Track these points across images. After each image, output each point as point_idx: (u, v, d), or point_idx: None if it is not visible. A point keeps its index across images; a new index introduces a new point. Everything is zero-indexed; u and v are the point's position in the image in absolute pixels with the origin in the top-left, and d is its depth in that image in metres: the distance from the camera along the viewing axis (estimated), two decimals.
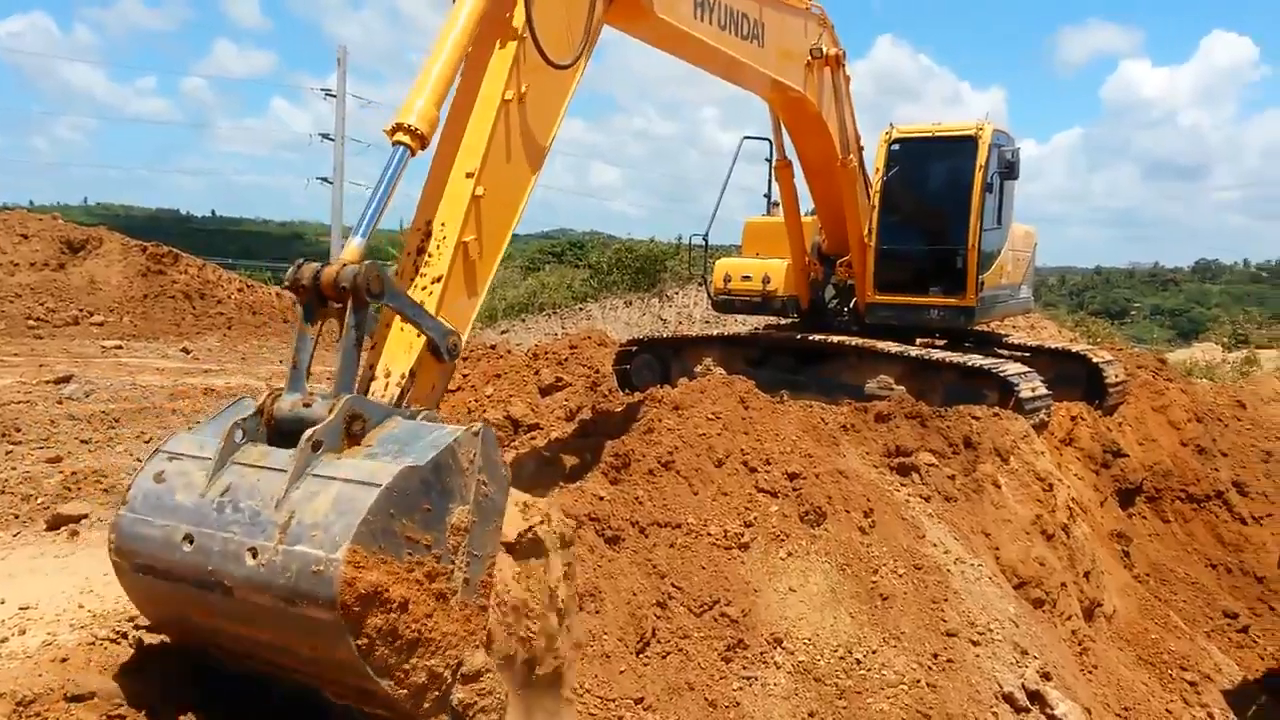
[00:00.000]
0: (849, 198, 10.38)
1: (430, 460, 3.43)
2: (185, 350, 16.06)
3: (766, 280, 11.23)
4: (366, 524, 3.19)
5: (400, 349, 4.20)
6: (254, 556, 3.26)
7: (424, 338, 4.15)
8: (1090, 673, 7.85)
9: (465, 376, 10.83)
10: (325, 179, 38.71)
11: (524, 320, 22.65)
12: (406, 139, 4.13)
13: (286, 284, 3.93)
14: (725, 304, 11.84)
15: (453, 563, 3.52)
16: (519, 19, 4.69)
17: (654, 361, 11.60)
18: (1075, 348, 12.80)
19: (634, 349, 11.98)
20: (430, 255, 4.49)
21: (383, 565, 3.24)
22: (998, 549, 8.03)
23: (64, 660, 4.11)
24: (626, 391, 11.27)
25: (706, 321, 20.52)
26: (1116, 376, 11.61)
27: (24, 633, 4.41)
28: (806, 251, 11.18)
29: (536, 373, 11.41)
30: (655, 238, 27.28)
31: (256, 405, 3.71)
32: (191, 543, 3.43)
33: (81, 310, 18.49)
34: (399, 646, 3.27)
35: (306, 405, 3.65)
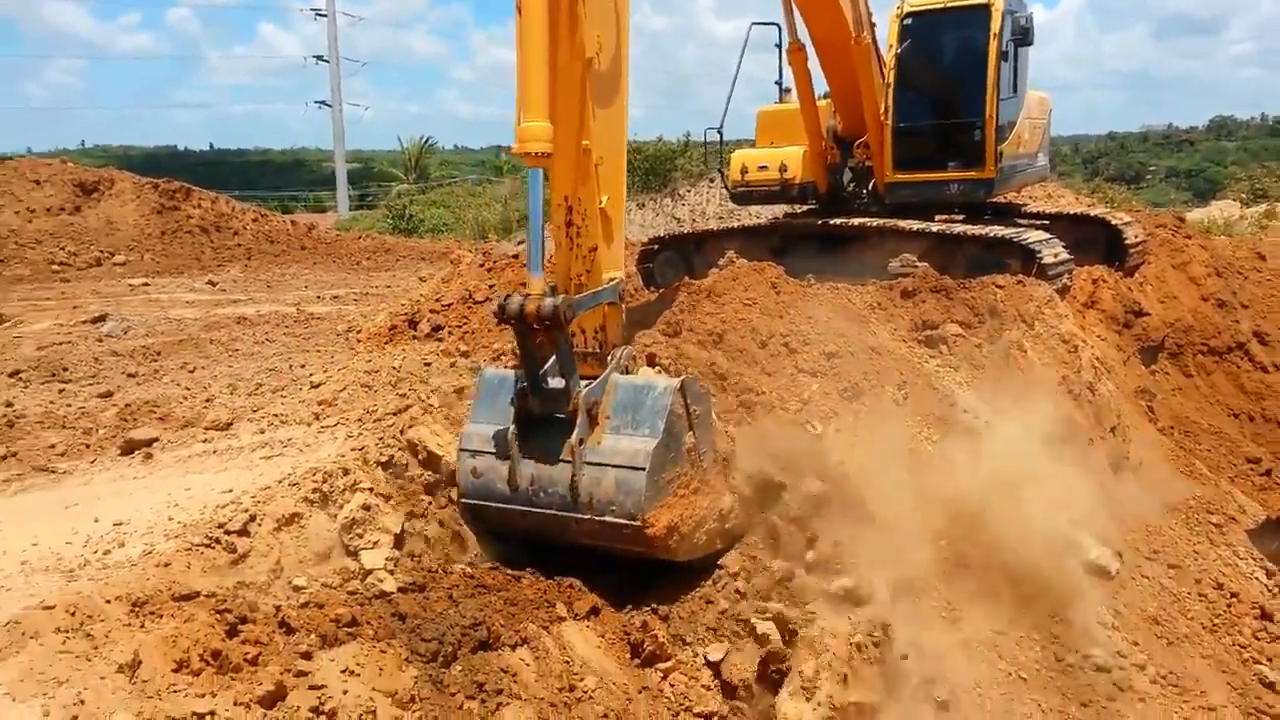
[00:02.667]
0: (864, 76, 10.35)
1: (663, 429, 5.09)
2: (211, 283, 16.34)
3: (784, 168, 11.24)
4: (646, 496, 4.99)
5: (586, 311, 5.38)
6: (577, 525, 5.19)
7: None
8: (1120, 521, 8.17)
9: (491, 287, 11.04)
10: (323, 102, 38.41)
11: None
12: (538, 163, 4.90)
13: (497, 318, 5.16)
14: (743, 195, 11.87)
15: (699, 465, 5.34)
16: None
17: (676, 258, 11.72)
18: (1094, 212, 12.85)
19: (656, 247, 12.10)
20: (578, 227, 5.43)
21: (664, 509, 5.08)
22: (1026, 412, 8.29)
23: (166, 565, 4.47)
24: (651, 289, 11.45)
25: (721, 218, 20.53)
26: (1136, 237, 11.68)
27: (123, 545, 4.75)
28: (823, 135, 11.18)
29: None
30: (663, 137, 27.00)
31: (512, 402, 5.24)
32: (525, 517, 5.34)
33: (103, 251, 18.76)
34: (686, 533, 5.19)
35: (552, 400, 5.13)
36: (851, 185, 11.55)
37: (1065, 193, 20.29)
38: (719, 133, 11.58)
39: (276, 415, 6.14)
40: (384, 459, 5.59)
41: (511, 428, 5.26)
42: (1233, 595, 7.87)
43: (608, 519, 5.08)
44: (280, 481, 5.10)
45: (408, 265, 19.04)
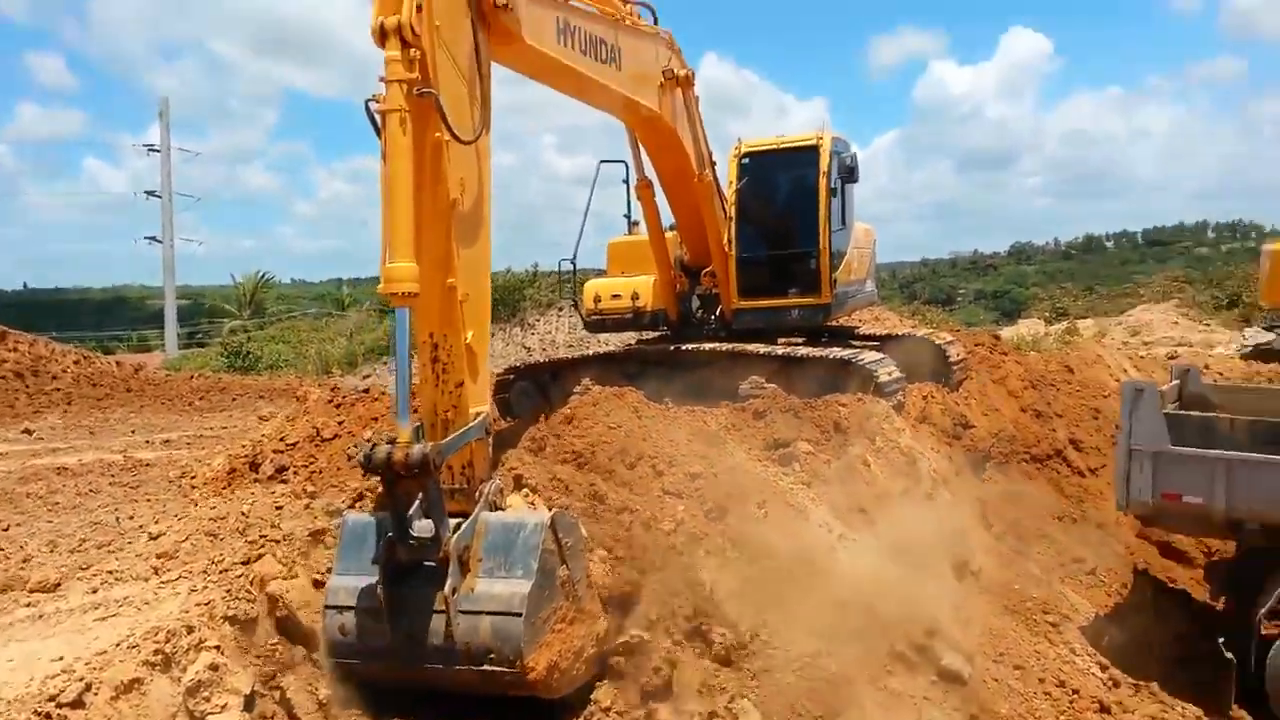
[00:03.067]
0: (707, 211, 10.92)
1: (536, 569, 5.06)
2: (27, 431, 15.16)
3: (636, 297, 11.63)
4: (525, 640, 4.93)
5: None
6: (455, 676, 5.04)
7: None
8: (967, 625, 8.51)
9: (341, 424, 10.74)
10: (153, 238, 37.05)
11: (385, 362, 22.33)
12: (406, 302, 5.00)
13: (361, 467, 5.14)
14: (598, 324, 12.17)
15: (574, 595, 5.34)
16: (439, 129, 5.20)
17: (532, 388, 11.78)
18: (920, 332, 13.77)
19: (511, 376, 12.13)
20: (444, 364, 5.46)
21: (543, 649, 5.04)
22: (874, 523, 8.64)
23: None
24: (509, 419, 11.41)
25: (571, 346, 20.82)
26: (958, 355, 12.57)
27: None
28: (671, 265, 11.64)
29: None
30: (511, 268, 27.35)
31: (379, 553, 5.07)
32: (399, 672, 5.16)
33: None
34: (566, 668, 5.16)
35: (421, 548, 5.03)
36: (700, 312, 12.01)
37: (890, 315, 21.69)
38: (572, 263, 11.87)
39: (110, 572, 5.71)
40: (232, 613, 5.26)
41: (379, 580, 5.09)
42: (1074, 692, 8.25)
43: (486, 668, 4.97)
44: (117, 645, 4.71)
45: (245, 404, 18.25)
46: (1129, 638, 9.29)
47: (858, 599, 7.33)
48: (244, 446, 10.82)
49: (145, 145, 37.37)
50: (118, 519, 8.78)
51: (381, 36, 4.96)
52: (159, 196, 36.50)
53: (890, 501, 9.01)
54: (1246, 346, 21.18)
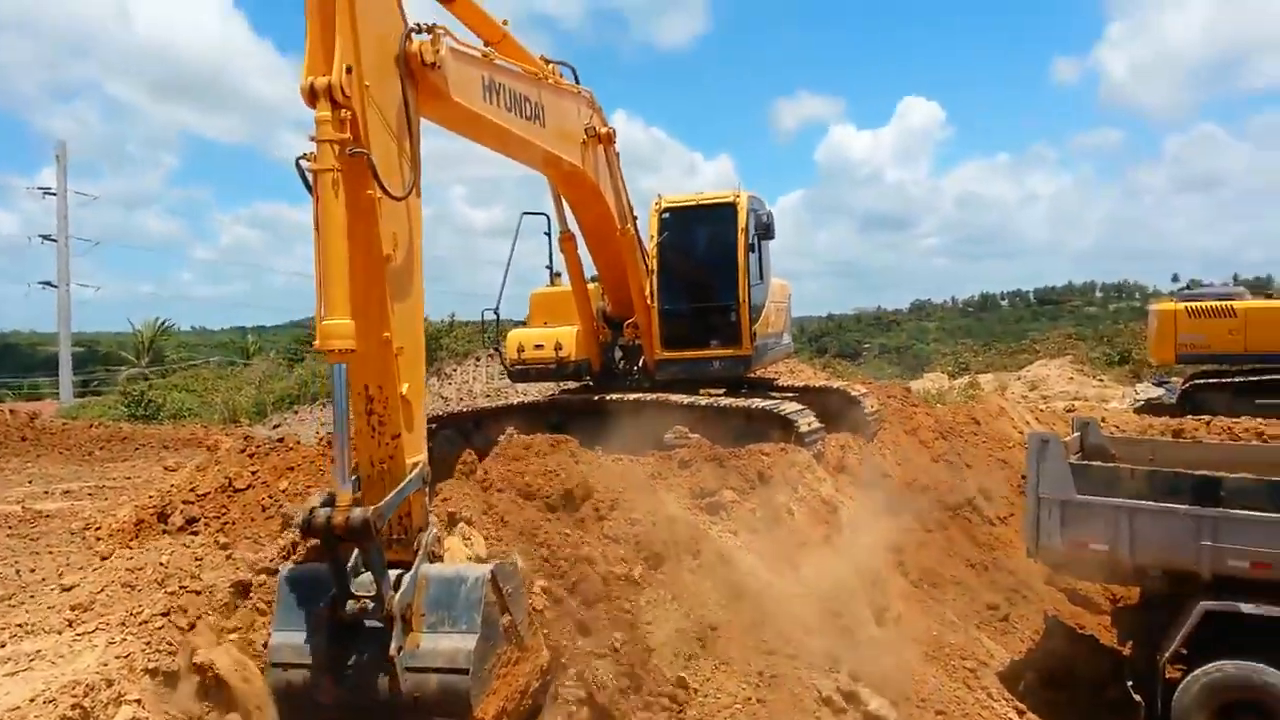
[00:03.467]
0: (630, 264, 11.09)
1: (480, 622, 5.10)
2: None
3: (559, 347, 11.68)
4: (473, 695, 4.97)
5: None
6: None
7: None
8: (890, 671, 8.67)
9: (255, 474, 10.44)
10: (48, 283, 35.59)
11: (295, 411, 21.78)
12: (343, 358, 4.98)
13: (300, 530, 5.19)
14: (521, 374, 12.16)
15: (516, 637, 5.45)
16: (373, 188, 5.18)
17: (455, 436, 11.64)
18: (835, 384, 14.12)
19: (434, 425, 11.97)
20: (380, 415, 5.39)
21: (491, 696, 5.14)
22: (798, 570, 8.77)
23: None
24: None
25: (488, 395, 20.65)
26: (872, 407, 12.92)
27: None
28: (594, 316, 11.74)
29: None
30: (427, 318, 27.09)
31: (322, 611, 5.10)
32: None
33: None
34: (513, 709, 5.33)
35: (362, 610, 5.04)
36: (622, 362, 12.12)
37: (804, 368, 22.17)
38: (495, 313, 11.89)
39: (20, 625, 5.41)
40: (153, 666, 5.06)
41: (322, 637, 5.11)
42: None
43: None
44: (32, 700, 4.47)
45: (148, 454, 17.55)
46: (1043, 683, 9.59)
47: (785, 647, 7.43)
48: (151, 497, 10.42)
49: (40, 188, 36.01)
50: (18, 571, 8.34)
51: (311, 97, 4.93)
52: (54, 240, 35.15)
53: (813, 549, 9.17)
54: (1139, 401, 22.25)
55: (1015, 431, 16.09)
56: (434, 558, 5.58)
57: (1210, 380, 20.78)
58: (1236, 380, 20.20)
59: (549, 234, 11.58)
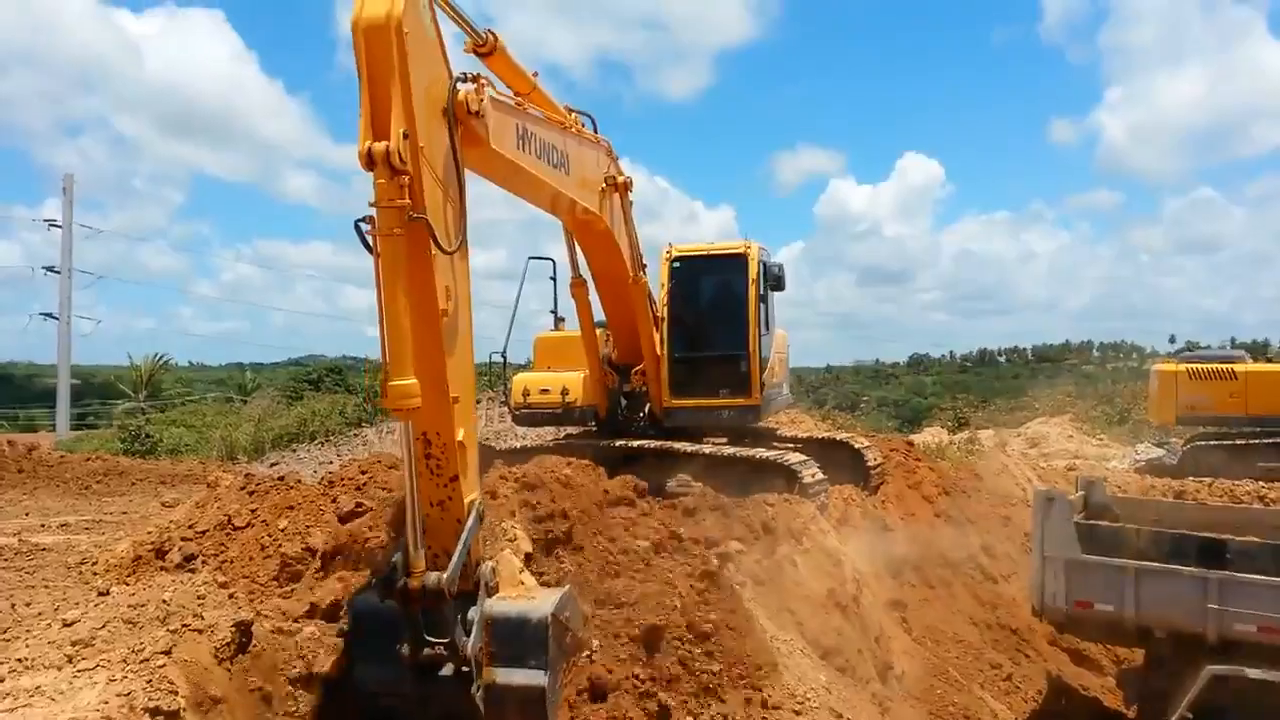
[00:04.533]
0: (641, 311, 11.14)
1: (548, 659, 5.74)
2: None
3: (565, 392, 11.67)
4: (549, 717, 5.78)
5: (449, 536, 5.70)
6: None
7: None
8: None
9: (254, 511, 10.38)
10: (49, 314, 35.63)
11: (294, 450, 21.66)
12: (411, 416, 5.24)
13: (379, 594, 5.57)
14: (526, 417, 12.15)
15: (576, 644, 6.34)
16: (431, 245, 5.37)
17: None
18: (839, 436, 14.09)
19: None
20: (438, 460, 5.64)
21: (562, 707, 6.04)
22: (802, 623, 8.69)
23: None
24: None
25: (487, 439, 20.54)
26: (875, 459, 12.89)
27: None
28: (601, 362, 11.75)
29: (334, 500, 11.10)
30: None
31: (400, 653, 5.56)
32: None
33: None
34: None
35: (439, 657, 5.60)
36: (627, 409, 12.09)
37: (805, 419, 22.12)
38: (503, 356, 11.88)
39: (20, 660, 5.34)
40: (154, 705, 4.98)
41: (403, 674, 5.64)
42: None
43: None
44: None
45: (145, 489, 17.44)
46: None
47: (789, 702, 7.32)
48: (149, 533, 10.34)
49: (45, 220, 36.19)
50: (14, 605, 8.26)
51: (369, 162, 5.04)
52: (58, 272, 35.28)
53: (817, 602, 9.09)
54: (1140, 461, 22.23)
55: (1018, 489, 16.05)
56: (490, 589, 6.03)
57: (1211, 442, 20.78)
58: (1237, 443, 20.20)
59: (554, 279, 11.65)
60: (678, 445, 10.86)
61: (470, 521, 5.75)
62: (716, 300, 12.16)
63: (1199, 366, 21.13)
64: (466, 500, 5.75)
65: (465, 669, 5.55)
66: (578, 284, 11.25)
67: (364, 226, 5.20)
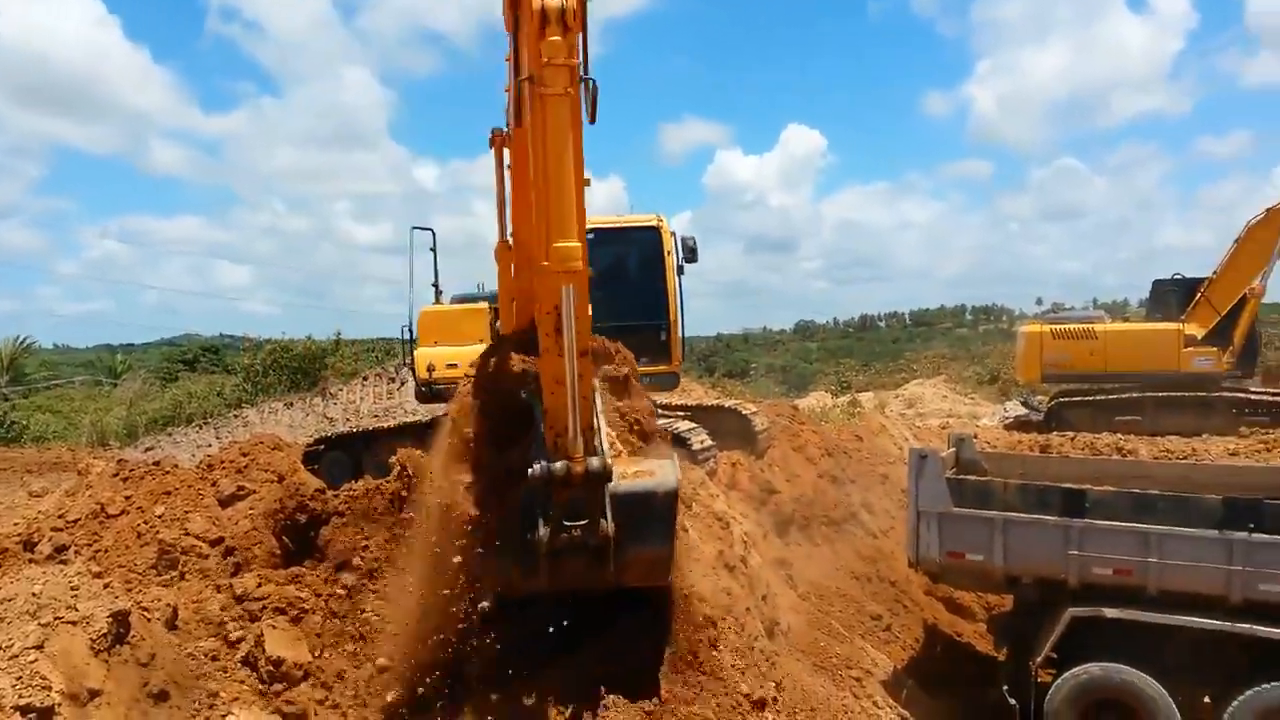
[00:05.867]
0: None
1: (671, 531, 6.21)
2: None
3: (474, 366, 11.43)
4: (669, 576, 6.64)
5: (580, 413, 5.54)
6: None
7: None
8: (780, 684, 8.88)
9: (129, 498, 10.02)
10: None
11: (170, 434, 20.83)
12: (574, 279, 5.21)
13: (543, 480, 5.41)
14: (432, 394, 11.85)
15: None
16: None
17: (344, 458, 11.40)
18: (727, 403, 14.41)
19: (321, 447, 11.69)
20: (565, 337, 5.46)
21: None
22: (693, 585, 8.91)
23: None
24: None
25: (376, 416, 20.20)
26: (762, 425, 13.24)
27: None
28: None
29: (213, 484, 10.79)
30: (312, 335, 26.35)
31: (541, 539, 5.65)
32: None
33: None
34: None
35: (580, 538, 5.69)
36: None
37: (695, 387, 22.48)
38: (410, 333, 11.57)
39: None
40: (25, 702, 4.82)
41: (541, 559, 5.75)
42: None
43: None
44: None
45: (9, 479, 16.56)
46: (924, 689, 9.95)
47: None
48: (15, 524, 9.88)
49: None
50: None
51: (541, 21, 5.04)
52: None
53: (706, 564, 9.32)
54: (1008, 418, 23.40)
55: (895, 448, 16.72)
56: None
57: (1073, 398, 22.02)
58: (1097, 398, 21.46)
59: (435, 249, 11.41)
60: None
61: (598, 399, 5.93)
62: (635, 271, 12.38)
63: (1061, 327, 22.32)
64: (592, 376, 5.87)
65: (601, 548, 5.71)
66: (505, 249, 10.96)
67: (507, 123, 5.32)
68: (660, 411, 12.59)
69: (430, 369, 11.76)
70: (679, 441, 10.71)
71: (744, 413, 13.24)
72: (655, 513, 6.01)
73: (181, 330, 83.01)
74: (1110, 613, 9.00)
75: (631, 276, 12.40)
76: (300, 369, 23.50)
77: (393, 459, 10.36)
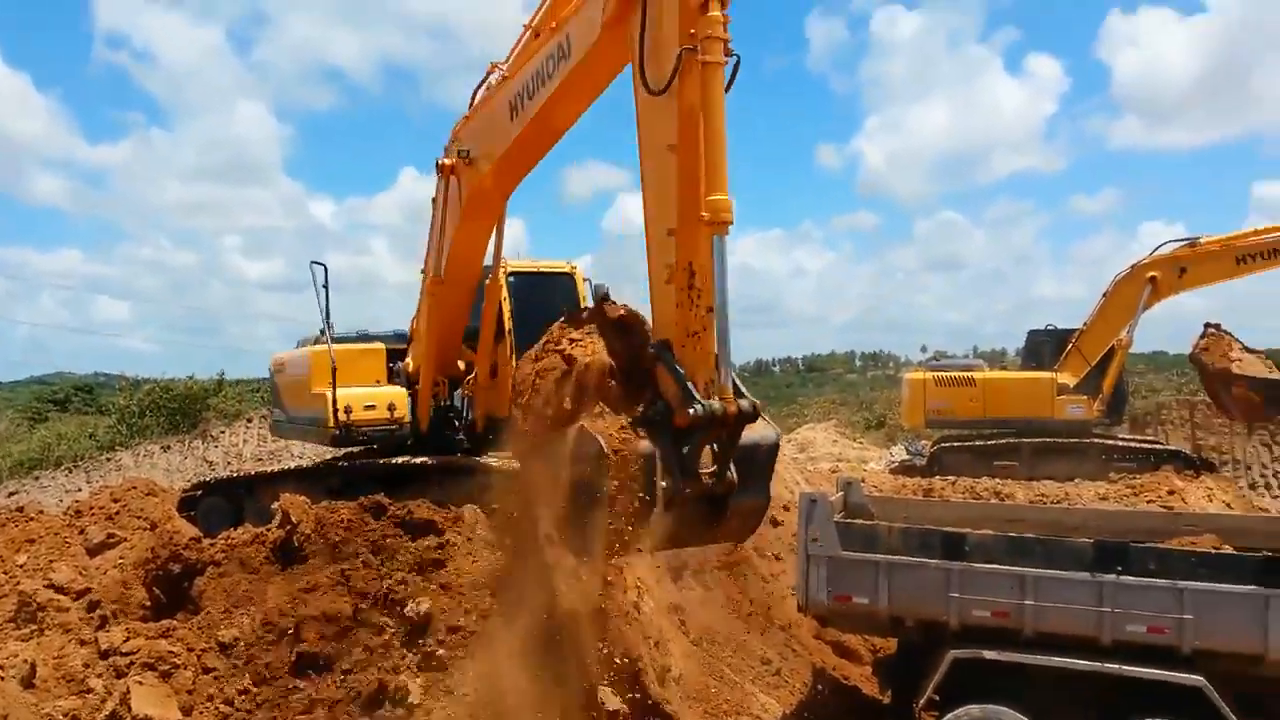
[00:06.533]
0: (492, 314, 11.13)
1: (769, 481, 7.05)
2: None
3: (392, 408, 11.12)
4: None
5: (701, 366, 6.21)
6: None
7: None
8: None
9: None
10: None
11: (37, 478, 19.67)
12: (723, 231, 6.01)
13: (700, 418, 5.89)
14: (348, 437, 11.32)
15: None
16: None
17: (223, 504, 10.95)
18: None
19: (200, 493, 11.22)
20: (699, 289, 6.15)
21: None
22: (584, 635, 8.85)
23: None
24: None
25: (259, 460, 19.53)
26: None
27: None
28: (435, 376, 11.29)
29: (81, 532, 10.30)
30: (195, 375, 25.32)
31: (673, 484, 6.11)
32: None
33: None
34: None
35: (708, 485, 6.36)
36: (440, 425, 11.69)
37: None
38: (332, 371, 11.06)
39: None
40: None
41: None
42: None
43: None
44: None
45: None
46: None
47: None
48: None
49: None
50: None
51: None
52: None
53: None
54: (894, 462, 24.11)
55: (787, 492, 16.96)
56: None
57: (955, 444, 22.84)
58: (977, 444, 22.32)
59: (326, 286, 11.00)
60: (464, 461, 10.74)
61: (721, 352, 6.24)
62: (554, 314, 12.26)
63: (943, 374, 23.22)
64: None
65: (720, 498, 6.29)
66: (437, 283, 10.73)
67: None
68: None
69: (348, 410, 11.11)
70: None
71: None
72: (759, 464, 6.58)
73: (54, 368, 78.97)
74: (989, 654, 9.25)
75: (550, 320, 12.35)
76: (180, 410, 22.59)
77: (275, 505, 10.07)
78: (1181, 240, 21.29)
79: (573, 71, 7.67)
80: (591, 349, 6.77)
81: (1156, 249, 21.49)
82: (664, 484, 5.93)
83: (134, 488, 12.53)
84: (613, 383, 6.45)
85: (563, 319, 7.38)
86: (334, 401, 10.96)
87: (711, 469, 6.24)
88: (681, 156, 6.08)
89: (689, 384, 5.98)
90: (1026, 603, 9.17)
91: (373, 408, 11.20)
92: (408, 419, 11.35)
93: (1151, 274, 21.03)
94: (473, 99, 9.71)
